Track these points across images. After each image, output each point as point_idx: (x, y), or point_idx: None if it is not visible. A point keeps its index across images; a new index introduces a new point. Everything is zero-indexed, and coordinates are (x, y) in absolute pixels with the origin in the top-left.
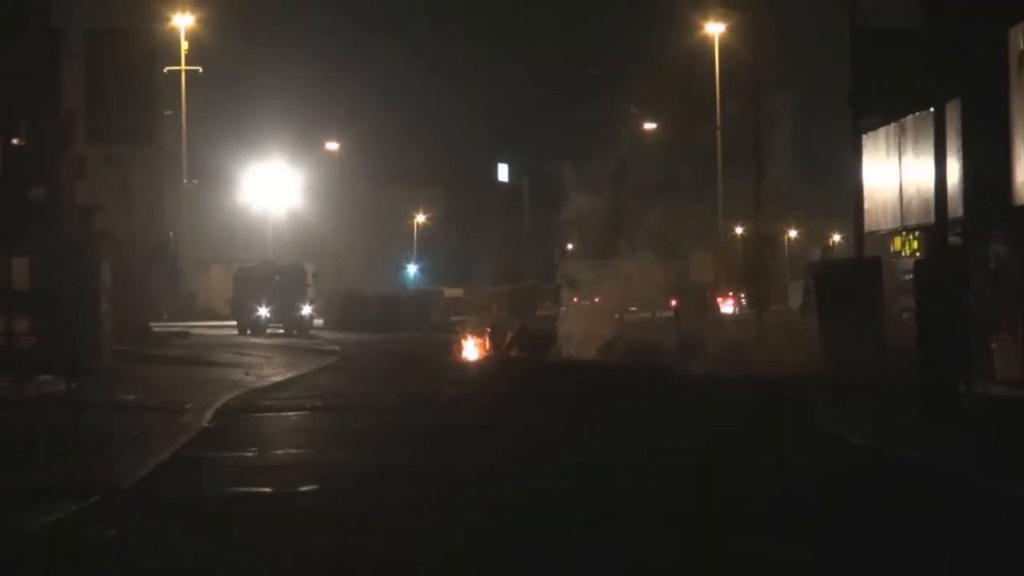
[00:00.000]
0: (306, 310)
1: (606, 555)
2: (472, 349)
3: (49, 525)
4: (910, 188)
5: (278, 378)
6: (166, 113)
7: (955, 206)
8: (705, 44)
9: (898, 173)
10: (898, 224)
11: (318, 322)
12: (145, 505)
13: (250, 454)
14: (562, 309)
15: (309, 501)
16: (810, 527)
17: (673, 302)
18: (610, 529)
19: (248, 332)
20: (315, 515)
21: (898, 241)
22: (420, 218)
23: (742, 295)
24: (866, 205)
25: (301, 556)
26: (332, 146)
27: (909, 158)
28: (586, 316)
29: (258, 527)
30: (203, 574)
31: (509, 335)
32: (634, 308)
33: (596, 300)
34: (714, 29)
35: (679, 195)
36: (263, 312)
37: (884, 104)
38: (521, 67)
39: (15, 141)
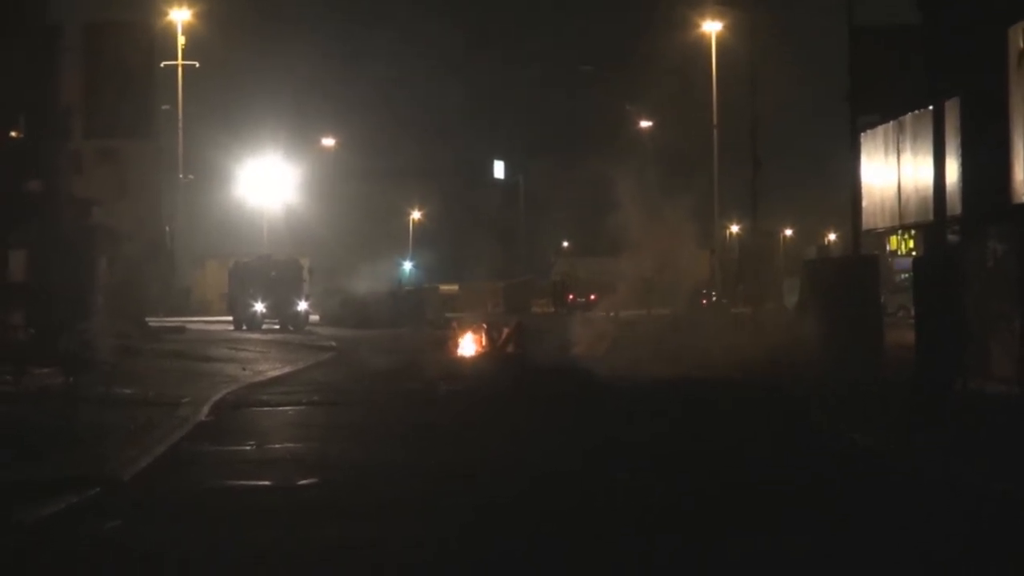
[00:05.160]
0: (302, 306)
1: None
2: (468, 346)
3: (50, 517)
4: (908, 186)
5: (274, 373)
6: (163, 108)
7: (953, 204)
8: (702, 42)
9: (896, 171)
10: (896, 222)
11: (314, 318)
12: (146, 497)
13: (248, 448)
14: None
15: (309, 493)
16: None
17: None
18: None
19: (244, 327)
20: (315, 507)
21: (894, 240)
22: (416, 215)
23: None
24: (864, 203)
25: (303, 546)
26: (328, 142)
27: (907, 156)
28: (583, 314)
29: (258, 518)
30: (207, 563)
31: (506, 331)
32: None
33: (592, 298)
34: (711, 27)
35: (674, 191)
36: (259, 307)
37: (882, 102)
38: (517, 63)
39: (13, 134)
